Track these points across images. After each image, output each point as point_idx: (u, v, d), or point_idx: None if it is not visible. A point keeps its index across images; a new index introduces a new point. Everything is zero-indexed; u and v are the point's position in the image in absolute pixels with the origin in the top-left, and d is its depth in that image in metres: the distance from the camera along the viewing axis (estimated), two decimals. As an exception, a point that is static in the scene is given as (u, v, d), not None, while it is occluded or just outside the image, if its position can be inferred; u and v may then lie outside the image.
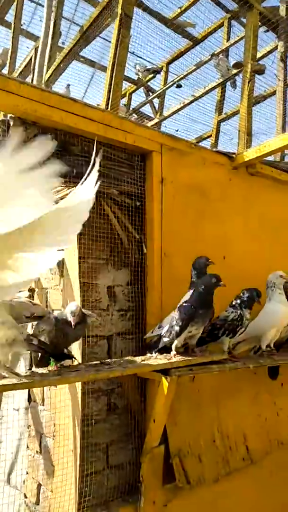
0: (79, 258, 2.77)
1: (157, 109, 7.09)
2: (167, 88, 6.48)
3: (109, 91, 3.16)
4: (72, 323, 2.04)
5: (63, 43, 5.03)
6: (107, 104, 3.15)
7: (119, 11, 3.13)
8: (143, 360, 2.22)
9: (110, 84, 3.16)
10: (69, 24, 5.48)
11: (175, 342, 2.40)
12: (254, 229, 3.59)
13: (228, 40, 5.53)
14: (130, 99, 7.14)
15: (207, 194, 3.29)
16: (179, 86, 6.04)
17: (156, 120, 6.31)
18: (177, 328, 2.37)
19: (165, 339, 2.44)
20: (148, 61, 6.39)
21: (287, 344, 3.22)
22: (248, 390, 3.22)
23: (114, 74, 3.18)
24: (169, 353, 2.42)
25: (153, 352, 2.42)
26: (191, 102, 5.94)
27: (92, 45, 4.74)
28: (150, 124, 6.11)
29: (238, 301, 2.75)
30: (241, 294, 2.78)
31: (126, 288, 3.04)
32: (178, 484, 2.57)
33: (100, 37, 4.65)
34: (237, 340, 3.04)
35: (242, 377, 3.18)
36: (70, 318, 2.06)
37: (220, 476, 2.76)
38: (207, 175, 3.31)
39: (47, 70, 4.41)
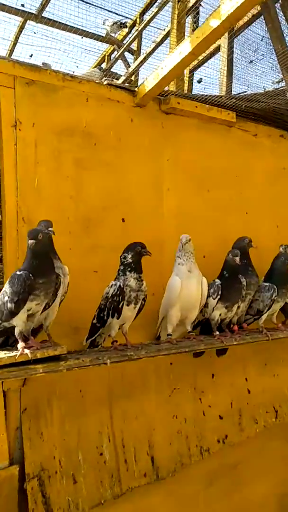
0: None
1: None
2: (132, 41, 5.71)
3: None
4: None
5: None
6: None
7: None
8: None
9: None
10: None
11: (18, 329, 1.75)
12: (171, 182, 2.83)
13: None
14: (109, 61, 6.40)
15: (94, 139, 2.56)
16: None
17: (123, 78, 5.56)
18: (10, 305, 1.74)
19: None
20: (124, 16, 5.68)
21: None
22: (161, 385, 2.53)
23: None
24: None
25: None
26: (153, 50, 5.17)
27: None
28: (119, 81, 5.39)
29: (121, 268, 2.09)
30: (122, 257, 2.10)
31: (-3, 267, 2.42)
32: (33, 516, 1.96)
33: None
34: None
35: (151, 369, 2.50)
36: None
37: (105, 500, 2.12)
38: (94, 116, 2.56)
39: None
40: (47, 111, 2.40)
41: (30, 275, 1.73)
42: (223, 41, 3.86)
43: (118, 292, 1.98)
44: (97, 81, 2.70)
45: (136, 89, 2.74)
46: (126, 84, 2.75)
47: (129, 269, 2.03)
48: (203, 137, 3.03)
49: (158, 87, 2.59)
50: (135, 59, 5.96)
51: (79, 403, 2.23)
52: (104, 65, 6.16)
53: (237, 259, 2.21)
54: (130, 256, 2.05)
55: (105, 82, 2.69)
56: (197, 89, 5.18)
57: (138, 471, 2.27)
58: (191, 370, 2.62)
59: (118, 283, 2.00)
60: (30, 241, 1.72)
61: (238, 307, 2.38)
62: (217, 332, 2.27)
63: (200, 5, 3.95)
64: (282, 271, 2.48)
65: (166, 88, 3.32)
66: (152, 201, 2.73)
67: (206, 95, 3.07)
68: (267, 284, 2.47)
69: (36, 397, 2.11)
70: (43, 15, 5.01)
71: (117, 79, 6.06)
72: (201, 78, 3.40)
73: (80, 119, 2.52)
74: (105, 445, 2.24)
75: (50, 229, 1.92)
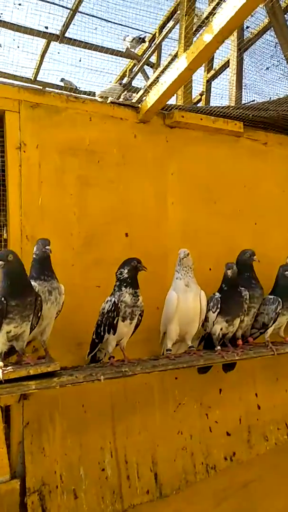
0: None
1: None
2: (149, 55, 5.84)
3: None
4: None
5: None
6: None
7: None
8: None
9: None
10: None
11: (-3, 350, 1.81)
12: (176, 196, 2.83)
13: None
14: (130, 76, 6.54)
15: (98, 157, 2.61)
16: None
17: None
18: None
19: None
20: (144, 31, 5.83)
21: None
22: (165, 401, 2.51)
23: None
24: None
25: None
26: (169, 63, 5.25)
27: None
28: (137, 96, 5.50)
29: (117, 283, 2.11)
30: (118, 273, 2.12)
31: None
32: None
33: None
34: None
35: (155, 384, 2.49)
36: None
37: (106, 517, 2.12)
38: (97, 134, 2.63)
39: None
40: (51, 132, 2.48)
41: (2, 299, 1.72)
42: (233, 52, 3.86)
43: (112, 308, 2.00)
44: (100, 100, 2.77)
45: (139, 105, 2.79)
46: (129, 101, 2.79)
47: (124, 284, 2.05)
48: (209, 148, 3.02)
49: (159, 102, 2.61)
50: (154, 73, 6.04)
51: (81, 418, 2.26)
52: (125, 80, 6.30)
53: (229, 272, 2.18)
54: (126, 271, 2.07)
55: (109, 101, 2.75)
56: (214, 101, 5.20)
57: (141, 488, 2.26)
58: (198, 385, 2.58)
59: (113, 299, 2.02)
60: None
61: (242, 320, 2.33)
62: (219, 347, 2.23)
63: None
64: (287, 283, 2.41)
65: (174, 102, 3.36)
66: (156, 215, 2.74)
67: (211, 107, 3.06)
68: (271, 296, 2.40)
69: (39, 412, 2.15)
70: (65, 35, 5.23)
71: (137, 92, 6.18)
72: (203, 91, 3.37)
73: (83, 138, 2.58)
74: (107, 461, 2.24)
75: (47, 247, 1.97)
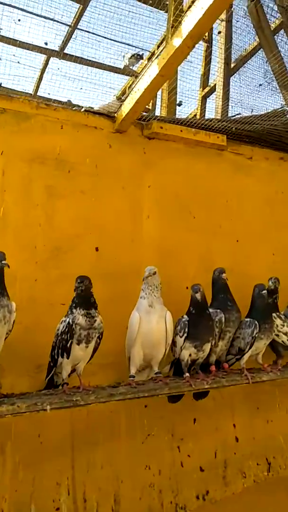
0: None
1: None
2: (145, 72, 5.83)
3: None
4: None
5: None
6: None
7: None
8: None
9: None
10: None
11: None
12: (152, 210, 2.69)
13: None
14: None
15: (69, 166, 2.48)
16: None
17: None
18: None
19: None
20: (141, 48, 5.83)
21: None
22: (133, 431, 2.30)
23: None
24: None
25: None
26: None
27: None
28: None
29: (70, 303, 1.93)
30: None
31: None
32: None
33: None
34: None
35: (121, 413, 2.28)
36: None
37: None
38: (69, 143, 2.50)
39: None
40: (18, 138, 2.37)
41: None
42: (220, 66, 3.79)
43: (66, 330, 1.82)
44: (73, 108, 2.65)
45: (115, 115, 2.67)
46: (104, 111, 2.67)
47: (74, 305, 1.87)
48: (189, 161, 2.89)
49: (134, 111, 2.50)
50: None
51: (36, 449, 2.04)
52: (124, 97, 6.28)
53: (198, 295, 1.99)
54: (74, 292, 1.89)
55: (83, 109, 2.64)
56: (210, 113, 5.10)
57: (100, 530, 2.03)
58: (169, 414, 2.37)
59: (68, 320, 1.85)
60: None
61: (215, 345, 2.14)
62: (187, 374, 2.03)
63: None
64: (263, 305, 2.23)
65: (158, 113, 3.23)
66: (129, 229, 2.59)
67: (192, 119, 2.95)
68: (247, 319, 2.21)
69: (-12, 442, 1.95)
70: (65, 51, 5.23)
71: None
72: (180, 101, 3.28)
73: (53, 146, 2.46)
74: (63, 499, 2.02)
75: (3, 262, 1.81)
